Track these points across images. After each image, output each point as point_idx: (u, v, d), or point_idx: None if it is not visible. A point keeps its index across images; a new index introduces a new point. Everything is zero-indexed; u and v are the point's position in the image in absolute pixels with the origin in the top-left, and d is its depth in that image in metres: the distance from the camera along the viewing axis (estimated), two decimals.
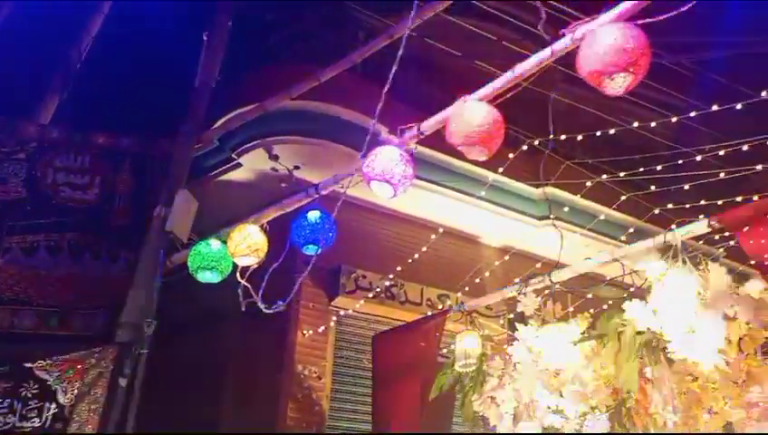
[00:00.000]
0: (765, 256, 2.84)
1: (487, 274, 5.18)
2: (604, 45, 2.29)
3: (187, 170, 4.57)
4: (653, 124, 3.84)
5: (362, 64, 5.29)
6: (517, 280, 3.95)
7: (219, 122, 5.26)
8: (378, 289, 5.55)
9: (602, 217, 5.31)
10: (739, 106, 3.26)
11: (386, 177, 2.90)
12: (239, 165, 5.88)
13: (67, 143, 5.35)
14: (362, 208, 5.91)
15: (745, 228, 2.90)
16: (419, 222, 6.27)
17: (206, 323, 6.02)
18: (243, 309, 3.36)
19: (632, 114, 7.13)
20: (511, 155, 4.47)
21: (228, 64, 5.33)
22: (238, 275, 3.46)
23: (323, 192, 3.40)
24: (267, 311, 3.23)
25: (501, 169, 4.88)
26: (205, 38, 5.10)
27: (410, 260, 4.89)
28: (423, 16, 3.79)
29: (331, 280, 5.73)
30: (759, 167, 3.74)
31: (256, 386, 5.61)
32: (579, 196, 6.02)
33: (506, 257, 5.14)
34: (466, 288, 4.95)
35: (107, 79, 5.95)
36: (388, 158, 2.92)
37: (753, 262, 2.96)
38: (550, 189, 6.20)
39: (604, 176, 4.57)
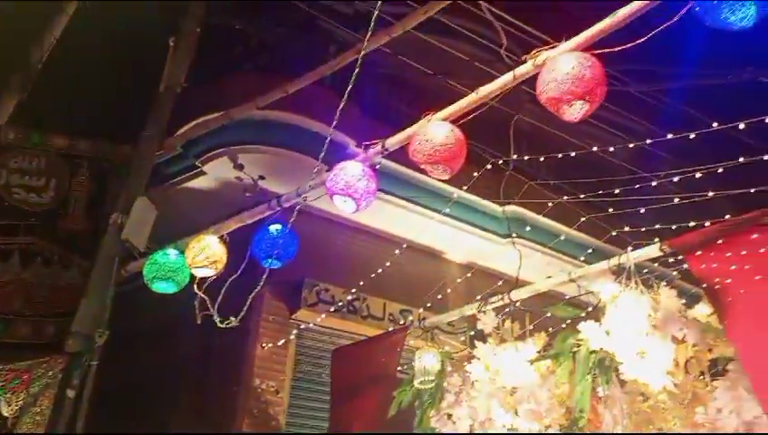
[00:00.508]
0: (715, 281, 2.93)
1: (449, 290, 5.20)
2: (562, 73, 2.35)
3: (148, 177, 4.48)
4: (611, 149, 3.95)
5: (333, 78, 5.31)
6: (479, 297, 3.99)
7: (183, 129, 5.18)
8: (340, 303, 5.52)
9: (563, 238, 5.41)
10: (692, 135, 3.38)
11: (348, 191, 2.91)
12: (203, 173, 5.80)
13: (24, 144, 5.20)
14: (327, 221, 5.89)
15: (696, 253, 2.99)
16: (384, 236, 6.27)
17: (161, 335, 5.87)
18: (198, 322, 3.29)
19: (598, 138, 7.34)
20: (475, 173, 4.53)
21: (195, 71, 5.27)
22: (195, 286, 3.40)
23: (286, 205, 3.37)
24: (221, 325, 3.17)
25: (465, 187, 4.94)
26: (171, 43, 5.03)
27: (373, 275, 4.88)
28: (392, 33, 3.82)
29: (293, 293, 5.67)
30: (710, 193, 3.86)
31: (212, 400, 5.49)
32: (541, 215, 6.14)
33: (469, 274, 5.17)
34: (428, 304, 4.95)
35: (69, 81, 5.80)
36: (351, 173, 2.93)
37: (704, 285, 3.05)
38: (513, 208, 6.31)
39: (565, 197, 4.66)
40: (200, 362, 5.69)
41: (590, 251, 5.38)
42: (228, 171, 5.77)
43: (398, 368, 4.51)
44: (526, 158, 4.14)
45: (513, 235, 5.54)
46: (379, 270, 4.82)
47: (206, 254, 3.34)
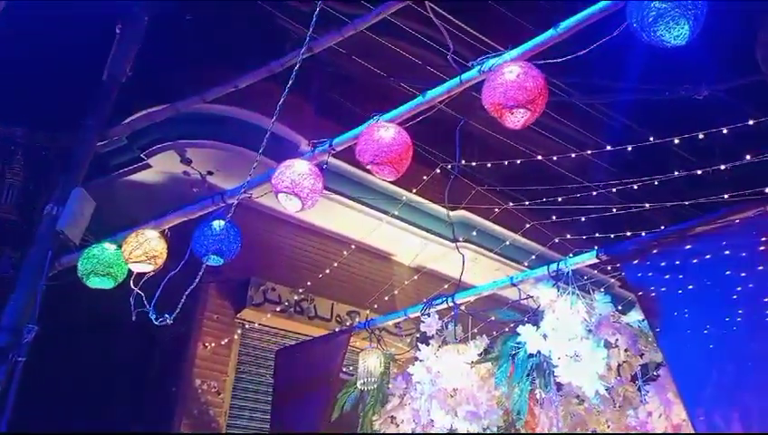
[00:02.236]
0: (647, 289, 3.04)
1: (396, 292, 5.22)
2: (507, 81, 2.40)
3: (86, 167, 4.30)
4: (555, 158, 4.06)
5: (286, 76, 5.24)
6: (428, 299, 4.01)
7: (127, 120, 5.01)
8: (287, 303, 5.45)
9: (508, 243, 5.52)
10: (630, 148, 3.52)
11: (294, 190, 2.88)
12: (148, 166, 5.63)
13: None
14: (277, 220, 5.82)
15: (630, 261, 3.09)
16: (334, 236, 6.25)
17: (97, 332, 5.65)
18: (133, 319, 3.18)
19: (547, 147, 7.54)
20: (425, 177, 4.57)
21: (143, 61, 5.11)
22: (132, 282, 3.28)
23: (230, 201, 3.30)
24: (157, 323, 3.08)
25: (414, 190, 4.98)
26: (118, 31, 4.86)
27: (321, 275, 4.85)
28: (344, 33, 3.81)
29: (239, 292, 5.58)
30: (647, 205, 4.02)
31: (150, 401, 5.33)
32: (488, 220, 6.26)
33: (415, 277, 5.21)
34: (375, 306, 4.96)
35: (7, 67, 5.51)
36: (297, 171, 2.90)
37: (639, 293, 3.16)
38: (462, 212, 6.39)
39: (510, 203, 4.76)
40: (140, 362, 5.51)
41: (533, 257, 5.51)
42: (175, 165, 5.63)
43: (344, 369, 4.50)
44: (474, 164, 4.19)
45: (461, 238, 5.60)
46: (327, 270, 4.80)
47: (144, 249, 3.23)
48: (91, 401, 5.42)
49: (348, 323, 5.62)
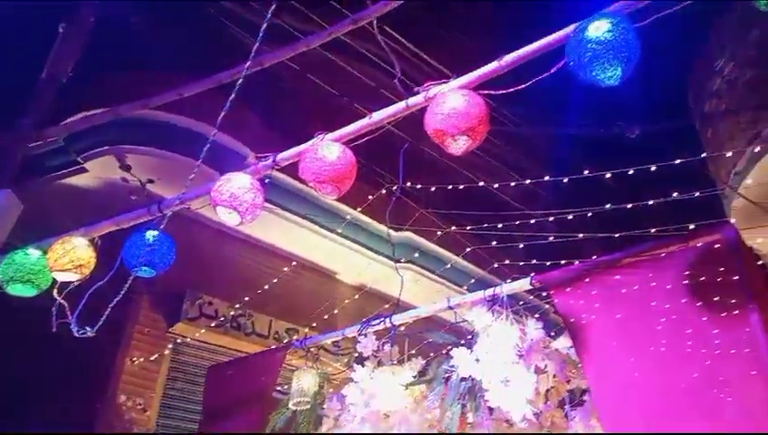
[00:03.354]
0: (576, 317, 3.14)
1: (336, 311, 5.18)
2: (449, 108, 2.46)
3: (15, 168, 4.09)
4: (496, 185, 4.17)
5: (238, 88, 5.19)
6: (365, 320, 4.00)
7: (65, 121, 4.82)
8: (223, 318, 5.32)
9: (449, 266, 5.60)
10: (566, 179, 3.66)
11: (233, 204, 2.83)
12: (84, 170, 5.42)
13: None
14: (217, 232, 5.70)
15: (561, 289, 3.19)
16: (276, 251, 6.16)
17: (16, 342, 5.33)
18: (53, 330, 3.02)
19: (493, 174, 7.75)
20: (370, 196, 4.60)
21: (86, 62, 4.94)
22: (56, 291, 3.12)
23: (166, 211, 3.21)
24: (77, 335, 2.93)
25: (359, 209, 4.99)
26: (61, 30, 4.69)
27: (260, 290, 4.76)
28: (296, 49, 3.81)
29: (173, 304, 5.40)
30: (581, 235, 4.18)
31: (71, 417, 5.04)
32: (431, 243, 6.34)
33: (356, 296, 5.20)
34: (314, 324, 4.91)
35: None
36: (238, 184, 2.85)
37: (571, 320, 3.26)
38: (406, 234, 6.45)
39: (453, 227, 4.84)
40: (63, 375, 5.21)
41: (473, 280, 5.60)
42: (113, 171, 5.44)
43: (278, 388, 4.41)
44: (419, 186, 4.25)
45: (402, 260, 5.64)
46: (267, 286, 4.72)
47: (70, 257, 3.08)
48: (5, 416, 5.08)
49: (286, 341, 5.53)
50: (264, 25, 2.92)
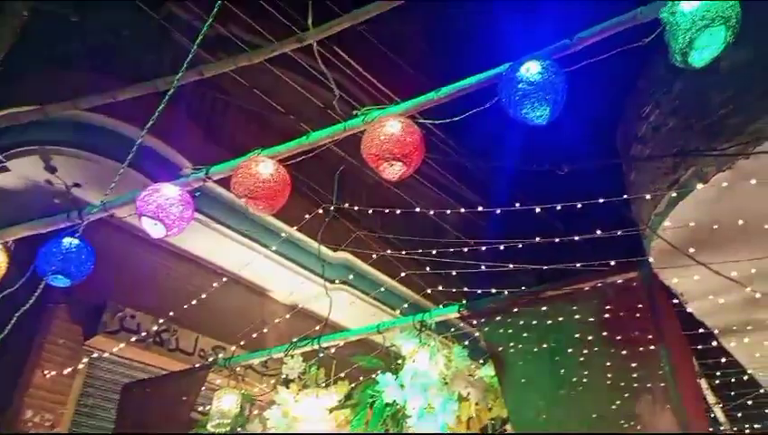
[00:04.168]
0: (507, 345, 3.19)
1: (266, 330, 5.06)
2: (386, 134, 2.49)
3: None
4: (431, 212, 4.24)
5: (179, 96, 5.07)
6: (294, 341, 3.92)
7: None
8: (144, 333, 5.08)
9: (383, 289, 5.60)
10: (498, 211, 3.76)
11: (159, 215, 2.74)
12: (6, 169, 5.11)
13: None
14: (144, 241, 5.45)
15: (487, 318, 3.24)
16: (207, 265, 5.98)
17: None
18: None
19: (433, 200, 7.88)
20: (307, 215, 4.56)
21: (14, 58, 4.69)
22: None
23: (87, 218, 3.06)
24: None
25: (296, 227, 4.93)
26: None
27: (186, 306, 4.59)
28: (237, 63, 3.76)
29: (92, 316, 5.12)
30: (511, 266, 4.29)
31: None
32: (369, 265, 6.33)
33: (287, 316, 5.11)
34: (242, 342, 4.77)
35: None
36: (166, 196, 2.77)
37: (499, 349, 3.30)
38: (345, 255, 6.42)
39: (389, 251, 4.86)
40: None
41: (406, 305, 5.63)
42: (38, 172, 5.16)
43: (199, 409, 4.24)
44: (356, 208, 4.26)
45: (337, 281, 5.61)
46: (194, 301, 4.56)
47: None
48: None
49: (211, 359, 5.35)
50: (203, 30, 2.85)
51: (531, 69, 2.33)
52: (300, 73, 6.42)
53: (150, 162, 5.03)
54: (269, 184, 2.73)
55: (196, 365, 4.74)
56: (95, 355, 4.79)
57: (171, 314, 4.65)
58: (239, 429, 3.72)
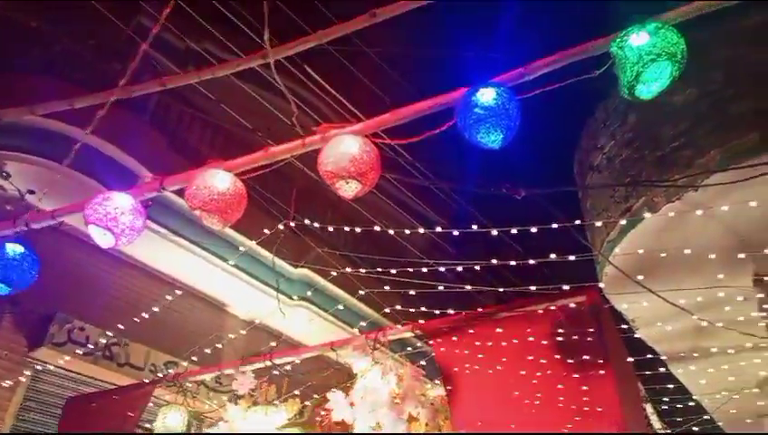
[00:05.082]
0: (461, 365, 3.21)
1: (220, 345, 4.96)
2: (343, 152, 2.51)
3: None
4: (391, 232, 4.26)
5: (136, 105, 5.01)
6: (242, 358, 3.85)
7: None
8: (91, 346, 4.92)
9: (341, 306, 5.58)
10: (456, 232, 3.80)
11: (108, 224, 2.68)
12: None
13: None
14: (96, 251, 5.31)
15: (440, 338, 3.26)
16: (163, 277, 5.85)
17: None
18: None
19: (396, 220, 7.93)
20: (266, 230, 4.52)
21: None
22: None
23: (34, 226, 2.97)
24: None
25: (256, 241, 4.88)
26: None
27: (136, 319, 4.46)
28: (201, 76, 3.73)
29: (39, 327, 4.94)
30: (468, 287, 4.32)
31: None
32: (329, 282, 6.30)
33: (243, 332, 5.02)
34: (195, 358, 4.66)
35: None
36: (116, 205, 2.71)
37: (446, 368, 3.31)
38: (306, 271, 6.38)
39: (348, 269, 4.86)
40: None
41: (364, 324, 5.61)
42: None
43: (146, 425, 4.12)
44: (317, 225, 4.25)
45: (295, 297, 5.56)
46: (146, 314, 4.44)
47: None
48: None
49: (161, 375, 5.20)
50: (153, 32, 2.83)
51: (486, 95, 2.39)
52: (269, 90, 6.43)
53: (108, 171, 4.93)
54: (225, 197, 2.70)
55: (145, 380, 4.62)
56: (39, 367, 4.60)
57: (121, 326, 4.52)
58: None
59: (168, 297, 4.47)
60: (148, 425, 4.35)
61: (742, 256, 4.03)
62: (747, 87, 4.05)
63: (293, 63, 5.61)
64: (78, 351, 4.77)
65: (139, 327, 4.98)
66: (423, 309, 4.61)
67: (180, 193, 3.21)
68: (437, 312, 4.84)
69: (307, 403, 3.70)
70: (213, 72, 3.71)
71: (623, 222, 4.08)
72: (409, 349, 4.40)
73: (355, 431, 2.98)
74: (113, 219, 2.67)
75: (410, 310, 4.93)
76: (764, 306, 4.53)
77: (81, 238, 5.17)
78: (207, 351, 4.74)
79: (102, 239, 2.71)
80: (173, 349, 5.62)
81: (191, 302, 5.88)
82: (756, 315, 4.65)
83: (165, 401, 4.18)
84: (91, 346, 4.94)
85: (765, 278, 4.34)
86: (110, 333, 4.81)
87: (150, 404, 3.90)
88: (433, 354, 4.55)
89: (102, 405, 3.84)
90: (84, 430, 3.73)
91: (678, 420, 5.43)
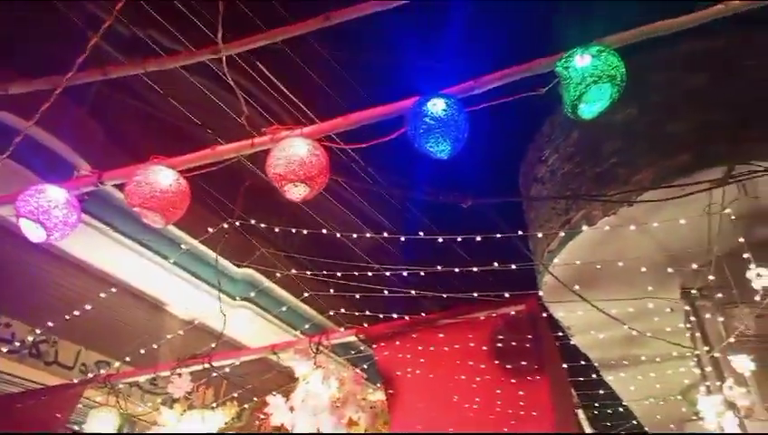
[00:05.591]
0: (402, 370, 3.23)
1: (156, 346, 4.81)
2: (292, 155, 2.48)
3: None
4: (338, 235, 4.25)
5: (83, 98, 4.80)
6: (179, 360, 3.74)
7: None
8: (18, 344, 4.67)
9: (285, 308, 5.52)
10: (402, 238, 3.84)
11: (40, 218, 2.56)
12: None
13: None
14: (28, 245, 5.04)
15: (382, 343, 3.28)
16: (97, 274, 5.60)
17: None
18: None
19: (347, 224, 7.90)
20: (210, 229, 4.42)
21: None
22: None
23: None
24: None
25: (199, 240, 4.77)
26: None
27: (68, 317, 4.25)
28: (147, 67, 3.61)
29: None
30: (413, 292, 4.37)
31: None
32: (274, 283, 6.21)
33: (180, 332, 4.88)
34: (127, 359, 4.49)
35: None
36: (49, 198, 2.59)
37: (387, 373, 3.33)
38: (250, 271, 6.27)
39: (293, 271, 4.81)
40: None
41: (307, 326, 5.57)
42: None
43: (76, 428, 3.94)
44: (263, 225, 4.19)
45: (237, 297, 5.46)
46: (76, 312, 4.24)
47: None
48: None
49: (92, 375, 4.99)
50: (105, 25, 2.73)
51: (436, 105, 2.43)
52: (221, 86, 6.28)
53: (45, 162, 4.70)
54: (166, 195, 2.62)
55: (75, 380, 4.42)
56: None
57: (51, 324, 4.30)
58: None
59: (102, 294, 4.29)
60: (77, 427, 4.17)
61: (670, 270, 4.25)
62: (681, 109, 4.29)
63: (246, 61, 5.52)
64: (2, 348, 4.50)
65: (71, 325, 4.77)
66: (367, 313, 4.63)
67: (120, 187, 3.10)
68: (381, 316, 4.88)
69: (245, 407, 3.64)
70: (160, 65, 3.60)
71: (562, 234, 4.23)
72: (352, 352, 4.40)
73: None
74: (45, 212, 2.55)
75: (355, 313, 4.94)
76: (690, 318, 4.80)
77: (12, 230, 4.90)
78: (142, 351, 4.57)
79: (34, 233, 2.58)
80: (106, 348, 5.39)
81: (127, 300, 5.66)
82: (682, 326, 4.92)
83: (96, 402, 4.01)
84: (17, 344, 4.68)
85: (692, 291, 4.60)
86: (38, 331, 4.56)
87: (80, 406, 3.74)
88: (375, 358, 4.58)
89: (29, 406, 3.64)
90: (9, 431, 3.54)
91: (608, 424, 5.67)
